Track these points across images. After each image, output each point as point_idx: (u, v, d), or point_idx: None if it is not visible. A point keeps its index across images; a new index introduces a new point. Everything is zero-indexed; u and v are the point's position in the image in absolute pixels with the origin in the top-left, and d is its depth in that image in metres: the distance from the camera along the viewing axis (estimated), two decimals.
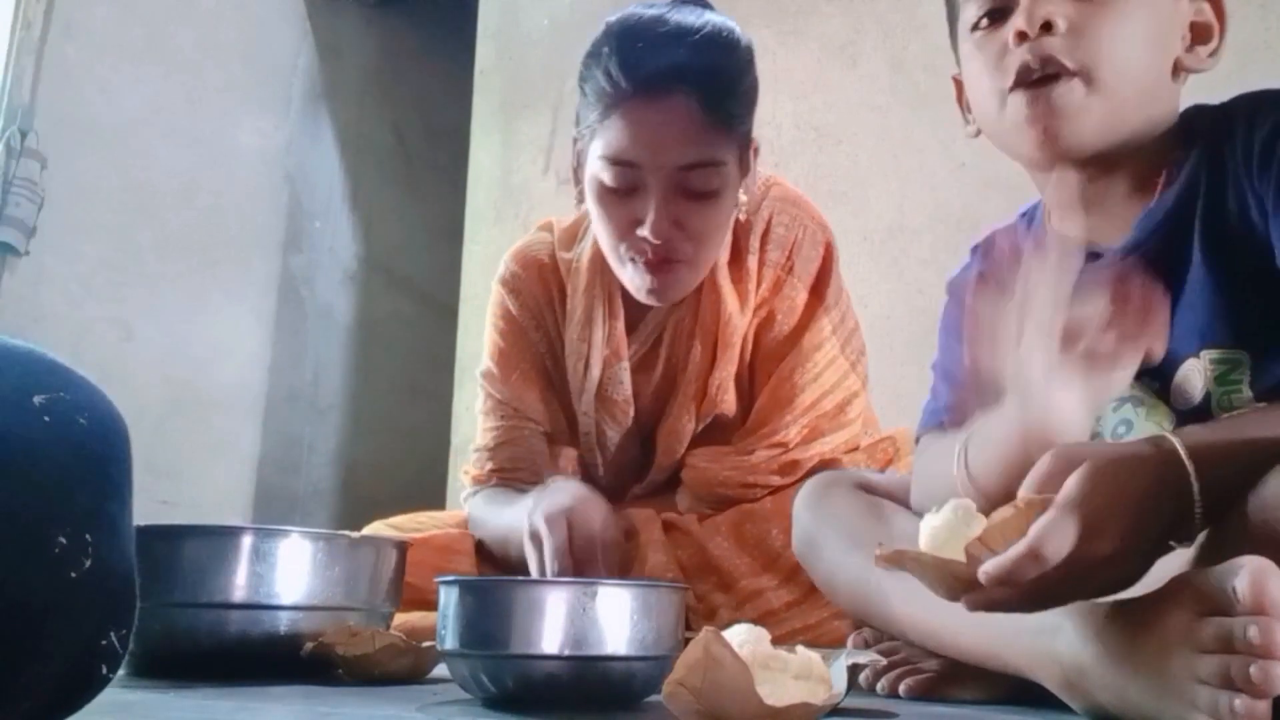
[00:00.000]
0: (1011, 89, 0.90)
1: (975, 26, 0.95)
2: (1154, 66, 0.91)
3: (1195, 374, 0.88)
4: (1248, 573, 0.62)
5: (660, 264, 1.27)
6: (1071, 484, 0.68)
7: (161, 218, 2.91)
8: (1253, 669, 0.62)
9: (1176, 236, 0.90)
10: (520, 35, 2.93)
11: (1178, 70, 0.92)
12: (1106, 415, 0.93)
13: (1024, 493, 0.71)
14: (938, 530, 0.72)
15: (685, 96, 1.22)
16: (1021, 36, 0.89)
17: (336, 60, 3.43)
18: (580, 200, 1.33)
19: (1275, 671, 0.62)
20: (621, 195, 1.25)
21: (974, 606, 0.70)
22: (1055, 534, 0.66)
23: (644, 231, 1.23)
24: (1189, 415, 0.88)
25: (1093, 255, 0.93)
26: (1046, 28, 0.88)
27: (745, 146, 1.30)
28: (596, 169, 1.26)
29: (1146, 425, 0.90)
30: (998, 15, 0.93)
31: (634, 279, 1.30)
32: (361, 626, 0.99)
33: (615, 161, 1.24)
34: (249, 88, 3.18)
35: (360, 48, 3.51)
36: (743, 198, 1.33)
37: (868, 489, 1.05)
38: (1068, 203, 0.97)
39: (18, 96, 2.67)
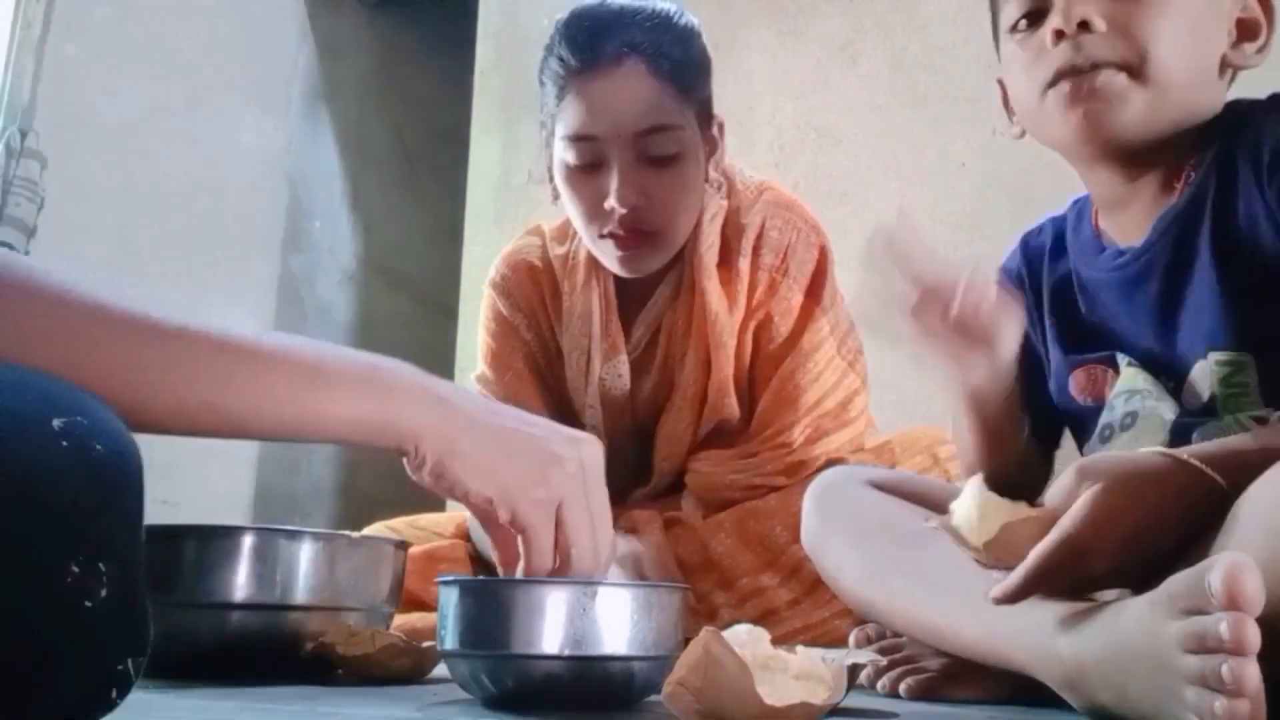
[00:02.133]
0: (1052, 83, 0.90)
1: (1014, 27, 0.94)
2: (1198, 60, 0.90)
3: (1202, 376, 0.89)
4: (1221, 568, 0.61)
5: (630, 235, 1.30)
6: (1077, 508, 0.73)
7: (161, 218, 2.91)
8: (1224, 668, 0.60)
9: (1185, 239, 0.90)
10: (520, 35, 2.93)
11: (1224, 66, 0.92)
12: (1117, 406, 0.94)
13: (1047, 501, 0.76)
14: (967, 505, 0.80)
15: (633, 63, 1.28)
16: (1059, 35, 0.89)
17: (336, 60, 3.43)
18: (555, 197, 1.37)
19: (1247, 670, 0.60)
20: (586, 172, 1.30)
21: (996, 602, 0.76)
22: (1053, 562, 0.73)
23: (610, 202, 1.27)
24: (1196, 414, 0.89)
25: (1120, 253, 0.94)
26: (1084, 26, 0.88)
27: (705, 117, 1.35)
28: (561, 151, 1.31)
29: (1151, 419, 0.90)
30: (1036, 16, 0.92)
31: (606, 253, 1.34)
32: (361, 626, 0.99)
33: (576, 138, 1.29)
34: (249, 88, 3.17)
35: (360, 48, 3.50)
36: (714, 174, 1.36)
37: (879, 486, 1.05)
38: (1104, 201, 0.97)
39: (18, 96, 2.66)
